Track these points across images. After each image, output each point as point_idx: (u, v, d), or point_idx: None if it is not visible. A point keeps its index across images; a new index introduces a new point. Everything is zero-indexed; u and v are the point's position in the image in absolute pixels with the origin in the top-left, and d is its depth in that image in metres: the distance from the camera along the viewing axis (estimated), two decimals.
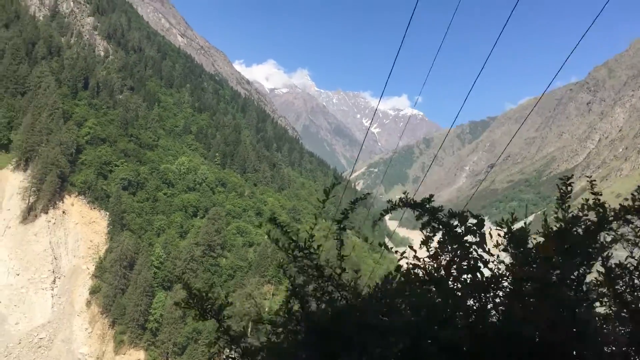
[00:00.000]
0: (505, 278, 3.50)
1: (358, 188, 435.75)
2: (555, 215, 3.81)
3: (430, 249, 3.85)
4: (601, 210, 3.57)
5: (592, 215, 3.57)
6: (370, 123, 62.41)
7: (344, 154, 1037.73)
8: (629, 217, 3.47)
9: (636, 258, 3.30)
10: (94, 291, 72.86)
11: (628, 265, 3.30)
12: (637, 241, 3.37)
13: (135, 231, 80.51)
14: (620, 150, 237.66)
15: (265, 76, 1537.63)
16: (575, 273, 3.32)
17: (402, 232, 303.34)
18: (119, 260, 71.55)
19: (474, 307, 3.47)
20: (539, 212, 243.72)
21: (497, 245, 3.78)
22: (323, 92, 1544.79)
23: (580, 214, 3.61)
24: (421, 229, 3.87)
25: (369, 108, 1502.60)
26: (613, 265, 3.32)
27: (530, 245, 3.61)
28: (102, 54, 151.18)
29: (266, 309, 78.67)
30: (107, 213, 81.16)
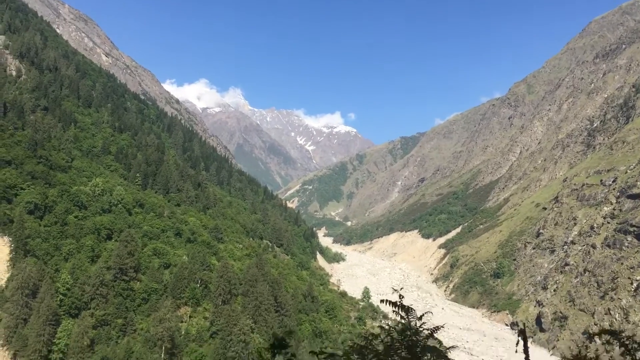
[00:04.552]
0: None
1: (293, 206, 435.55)
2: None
3: None
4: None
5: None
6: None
7: (279, 172, 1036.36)
8: None
9: None
10: None
11: None
12: None
13: (41, 257, 76.17)
14: (539, 161, 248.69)
15: (197, 95, 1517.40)
16: None
17: (336, 247, 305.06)
18: (21, 289, 67.35)
19: None
20: (466, 224, 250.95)
21: None
22: (257, 111, 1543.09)
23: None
24: None
25: (303, 126, 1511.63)
26: None
27: None
28: (14, 73, 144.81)
29: (182, 332, 76.18)
30: (10, 239, 76.60)
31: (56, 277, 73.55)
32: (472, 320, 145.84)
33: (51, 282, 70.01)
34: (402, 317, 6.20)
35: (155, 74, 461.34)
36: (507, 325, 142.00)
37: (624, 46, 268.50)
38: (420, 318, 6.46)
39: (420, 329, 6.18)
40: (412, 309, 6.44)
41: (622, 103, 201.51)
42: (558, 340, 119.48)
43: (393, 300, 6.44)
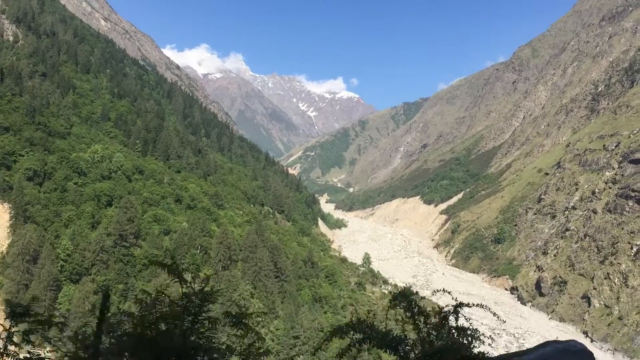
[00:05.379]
0: None
1: (295, 172, 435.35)
2: None
3: None
4: None
5: None
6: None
7: (281, 139, 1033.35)
8: None
9: None
10: None
11: None
12: None
13: (41, 223, 76.41)
14: (543, 127, 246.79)
15: (198, 61, 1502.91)
16: None
17: (337, 214, 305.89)
18: (21, 255, 67.78)
19: None
20: (467, 190, 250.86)
21: None
22: (258, 77, 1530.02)
23: None
24: None
25: (305, 91, 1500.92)
26: None
27: None
28: (11, 38, 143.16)
29: None
30: (10, 206, 76.75)
31: (56, 243, 73.91)
32: (472, 285, 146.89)
33: (52, 248, 70.38)
34: (180, 282, 5.67)
35: (155, 39, 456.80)
36: (507, 289, 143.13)
37: (630, 8, 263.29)
38: (206, 281, 6.00)
39: (211, 295, 5.71)
40: (179, 271, 5.89)
41: (628, 67, 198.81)
42: (557, 304, 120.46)
43: (167, 264, 5.91)
